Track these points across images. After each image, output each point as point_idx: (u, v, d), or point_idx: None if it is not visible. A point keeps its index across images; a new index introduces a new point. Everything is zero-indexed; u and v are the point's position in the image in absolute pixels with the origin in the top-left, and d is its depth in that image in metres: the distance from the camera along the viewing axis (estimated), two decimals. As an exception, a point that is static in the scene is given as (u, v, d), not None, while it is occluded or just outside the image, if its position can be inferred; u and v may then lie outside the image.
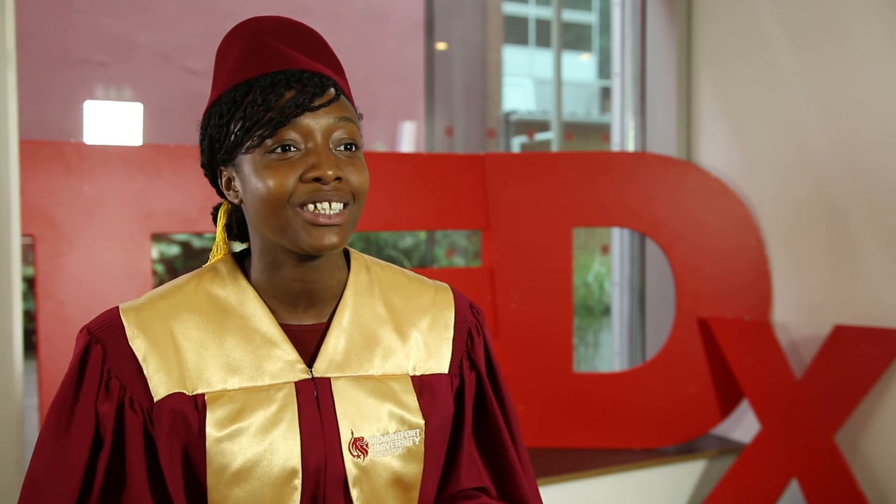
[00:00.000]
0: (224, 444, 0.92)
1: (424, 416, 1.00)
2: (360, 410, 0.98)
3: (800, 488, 2.74)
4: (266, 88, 0.93)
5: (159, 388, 0.94)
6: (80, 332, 0.98)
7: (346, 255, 1.06)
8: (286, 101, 0.92)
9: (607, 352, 7.65)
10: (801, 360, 2.86)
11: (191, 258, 8.11)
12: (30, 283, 5.08)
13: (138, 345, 0.95)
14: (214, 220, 1.08)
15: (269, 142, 0.92)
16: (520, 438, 1.12)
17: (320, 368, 0.98)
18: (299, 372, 0.97)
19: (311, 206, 0.92)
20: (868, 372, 2.59)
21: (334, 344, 1.00)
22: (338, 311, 1.01)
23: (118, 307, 0.99)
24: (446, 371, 1.06)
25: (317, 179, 0.91)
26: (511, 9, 14.33)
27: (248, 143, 0.93)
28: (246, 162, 0.94)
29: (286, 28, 0.98)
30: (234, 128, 0.94)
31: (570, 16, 14.09)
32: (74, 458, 0.94)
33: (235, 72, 0.96)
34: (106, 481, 0.95)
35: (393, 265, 1.12)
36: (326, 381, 0.98)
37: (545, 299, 2.98)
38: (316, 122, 0.93)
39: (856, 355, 2.62)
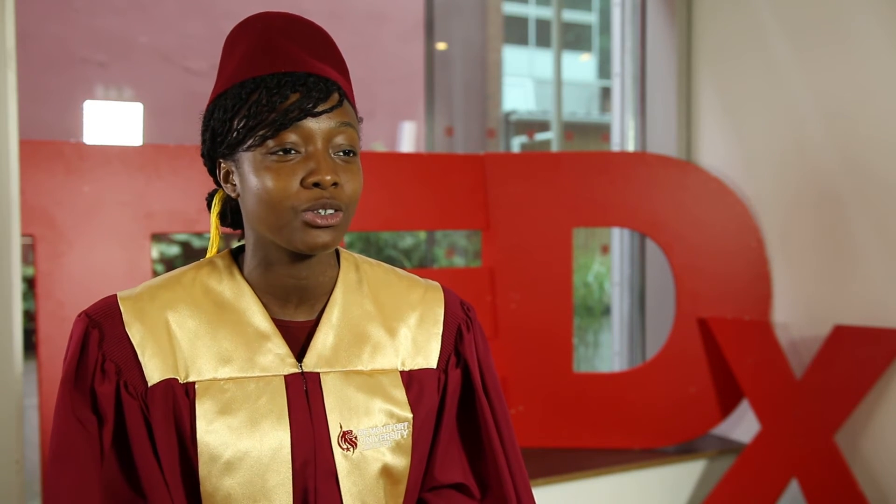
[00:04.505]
0: (214, 435, 0.94)
1: (412, 410, 1.02)
2: (349, 404, 0.99)
3: (800, 488, 2.74)
4: (272, 89, 0.94)
5: (154, 373, 0.96)
6: (79, 316, 1.00)
7: (337, 253, 1.08)
8: (290, 104, 0.93)
9: (607, 352, 7.64)
10: (801, 360, 2.86)
11: (191, 258, 8.11)
12: (30, 283, 5.08)
13: (134, 331, 0.97)
14: (209, 207, 1.09)
15: (270, 143, 0.94)
16: (509, 436, 1.11)
17: (310, 363, 1.00)
18: (289, 366, 0.99)
19: (309, 212, 0.94)
20: (868, 372, 2.59)
21: (323, 339, 1.02)
22: (327, 308, 1.03)
23: (116, 294, 1.01)
24: (434, 366, 1.07)
25: (316, 185, 0.93)
26: (511, 9, 14.33)
27: (250, 142, 0.95)
28: (246, 159, 0.96)
29: (295, 26, 0.99)
30: (238, 124, 0.95)
31: (570, 16, 14.08)
32: (92, 429, 0.96)
33: (242, 67, 0.97)
34: (116, 457, 0.97)
35: (384, 264, 1.13)
36: (315, 376, 1.00)
37: (545, 299, 2.98)
38: (318, 126, 0.94)
39: (856, 355, 2.62)
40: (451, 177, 2.94)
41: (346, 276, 1.06)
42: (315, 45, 0.99)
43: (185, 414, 0.95)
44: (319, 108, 0.94)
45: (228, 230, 1.11)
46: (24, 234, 2.24)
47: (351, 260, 1.09)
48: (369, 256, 1.14)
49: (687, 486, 3.00)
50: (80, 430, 0.96)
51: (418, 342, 1.07)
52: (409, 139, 9.57)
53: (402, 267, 1.14)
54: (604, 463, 2.87)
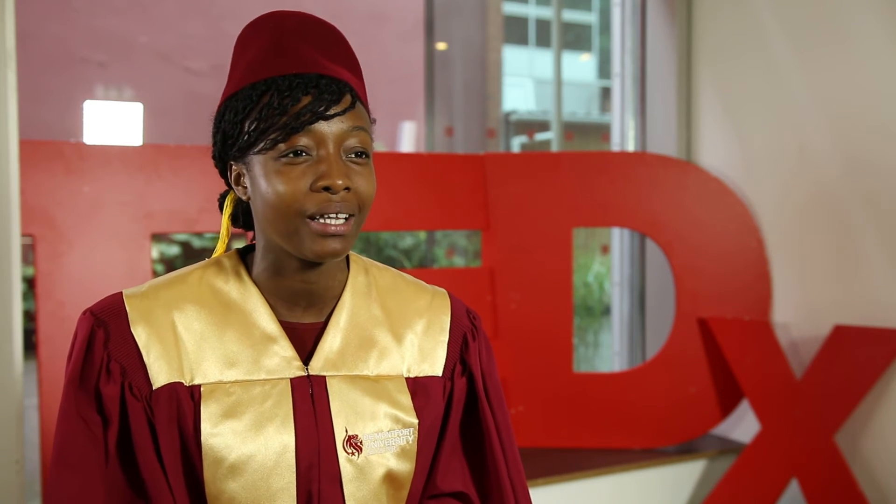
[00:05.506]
0: (218, 438, 0.93)
1: (418, 416, 1.01)
2: (355, 409, 0.99)
3: (800, 488, 2.74)
4: (283, 91, 0.93)
5: (158, 375, 0.95)
6: (84, 314, 0.98)
7: (347, 257, 1.07)
8: (302, 107, 0.92)
9: (607, 352, 7.64)
10: (801, 360, 2.86)
11: (191, 258, 8.11)
12: (30, 283, 5.08)
13: (140, 332, 0.96)
14: (221, 208, 1.08)
15: (281, 146, 0.92)
16: (511, 447, 1.11)
17: (316, 366, 0.99)
18: (295, 369, 0.98)
19: (319, 217, 0.92)
20: (868, 372, 2.59)
21: (331, 343, 1.01)
22: (335, 312, 1.02)
23: (121, 292, 0.99)
24: (440, 374, 1.06)
25: (326, 189, 0.92)
26: (511, 9, 14.33)
27: (261, 146, 0.93)
28: (257, 162, 0.94)
29: (307, 26, 0.98)
30: (249, 127, 0.94)
31: (570, 16, 14.09)
32: (97, 430, 0.96)
33: (254, 68, 0.96)
34: (119, 459, 0.96)
35: (391, 269, 1.12)
36: (322, 379, 0.99)
37: (545, 299, 2.98)
38: (329, 130, 0.93)
39: (856, 355, 2.62)
40: (451, 177, 2.94)
41: (356, 279, 1.05)
42: (327, 45, 0.98)
43: (189, 417, 0.94)
44: (331, 112, 0.93)
45: (240, 231, 1.10)
46: (24, 234, 2.24)
47: (360, 264, 1.08)
48: (369, 257, 1.13)
49: (687, 486, 3.00)
50: (85, 430, 0.95)
51: (424, 349, 1.06)
52: (409, 139, 9.56)
53: (402, 267, 1.13)
54: (604, 463, 2.87)
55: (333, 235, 0.93)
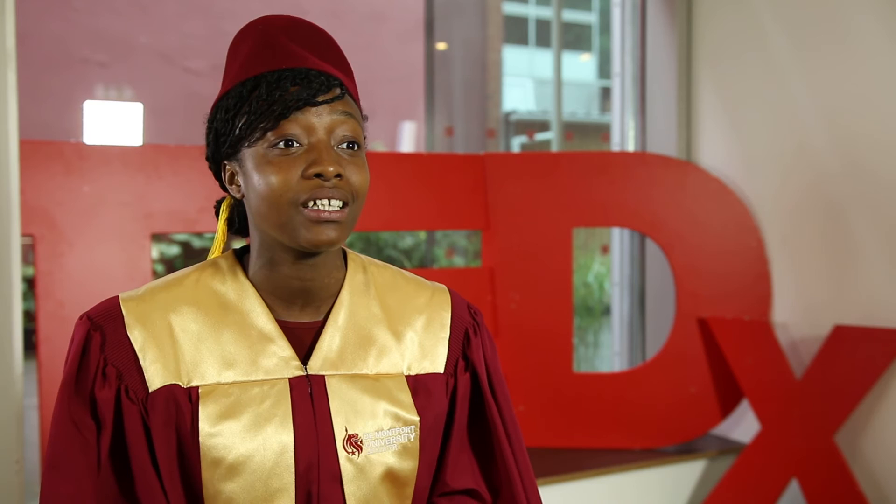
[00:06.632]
0: (217, 439, 0.93)
1: (419, 414, 1.01)
2: (355, 408, 0.98)
3: (800, 488, 2.74)
4: (272, 84, 0.93)
5: (154, 378, 0.95)
6: (80, 318, 0.99)
7: (344, 255, 1.07)
8: (290, 95, 0.93)
9: (607, 352, 7.64)
10: (801, 360, 2.86)
11: (191, 258, 8.11)
12: (30, 283, 5.08)
13: (136, 335, 0.96)
14: (217, 214, 1.09)
15: (271, 135, 0.93)
16: (518, 441, 1.11)
17: (315, 366, 0.99)
18: (294, 368, 0.98)
19: (311, 204, 0.92)
20: (868, 372, 2.59)
21: (329, 342, 1.00)
22: (333, 310, 1.02)
23: (118, 296, 1.00)
24: (441, 371, 1.06)
25: (318, 175, 0.92)
26: (511, 9, 14.33)
27: (252, 137, 0.94)
28: (249, 157, 0.95)
29: (297, 27, 0.99)
30: (239, 122, 0.95)
31: (570, 16, 14.08)
32: (90, 436, 0.95)
33: (244, 68, 0.97)
34: (112, 465, 0.96)
35: (391, 266, 1.12)
36: (321, 379, 0.99)
37: (545, 299, 2.98)
38: (318, 119, 0.94)
39: (856, 355, 2.62)
40: (451, 177, 2.94)
41: (354, 278, 1.05)
42: (316, 44, 0.98)
43: (187, 418, 0.94)
44: (320, 98, 0.94)
45: (237, 237, 1.10)
46: (24, 234, 2.24)
47: (358, 262, 1.08)
48: (369, 256, 1.13)
49: (687, 486, 3.00)
50: (78, 436, 0.95)
51: (425, 346, 1.06)
52: (409, 139, 9.56)
53: (403, 267, 1.13)
54: (604, 463, 2.87)
55: (327, 222, 0.93)
